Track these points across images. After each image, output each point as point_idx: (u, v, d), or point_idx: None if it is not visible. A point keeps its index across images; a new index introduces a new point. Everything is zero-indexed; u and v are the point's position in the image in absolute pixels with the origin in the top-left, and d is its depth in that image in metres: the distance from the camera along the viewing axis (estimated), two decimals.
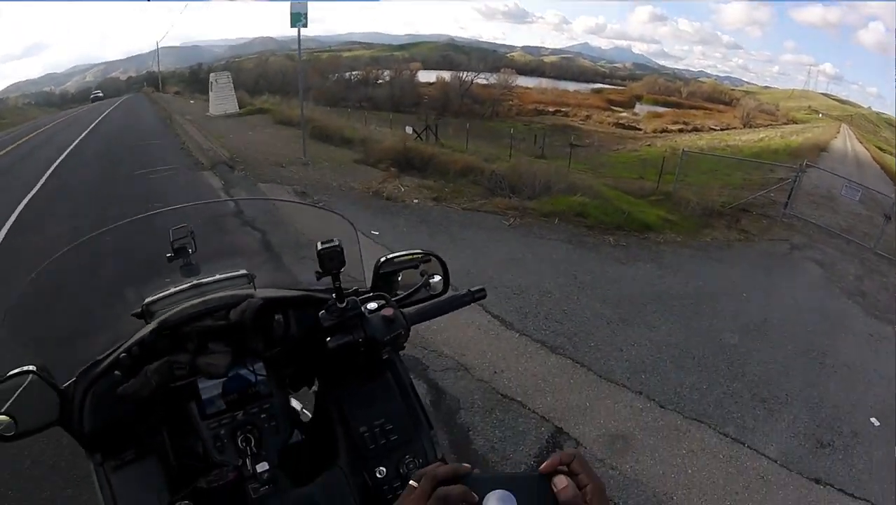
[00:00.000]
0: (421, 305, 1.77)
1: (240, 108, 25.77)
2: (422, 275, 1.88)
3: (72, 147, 19.53)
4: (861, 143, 46.49)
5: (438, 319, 1.75)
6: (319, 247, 1.49)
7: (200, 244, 1.79)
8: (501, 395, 4.81)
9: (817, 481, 4.34)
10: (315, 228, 2.28)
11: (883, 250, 11.79)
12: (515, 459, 4.07)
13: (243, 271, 1.89)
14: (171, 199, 10.22)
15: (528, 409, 4.65)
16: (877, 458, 4.76)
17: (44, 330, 1.86)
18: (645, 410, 4.87)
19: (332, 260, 1.49)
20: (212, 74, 27.21)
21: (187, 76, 57.57)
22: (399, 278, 1.87)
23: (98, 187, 12.12)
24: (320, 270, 1.50)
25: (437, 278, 1.88)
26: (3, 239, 8.99)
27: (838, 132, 48.42)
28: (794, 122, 54.97)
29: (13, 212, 10.34)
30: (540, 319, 6.26)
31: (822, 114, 59.43)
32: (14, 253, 8.09)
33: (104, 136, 21.96)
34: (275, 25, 76.65)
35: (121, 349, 1.46)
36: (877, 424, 5.30)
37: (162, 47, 58.11)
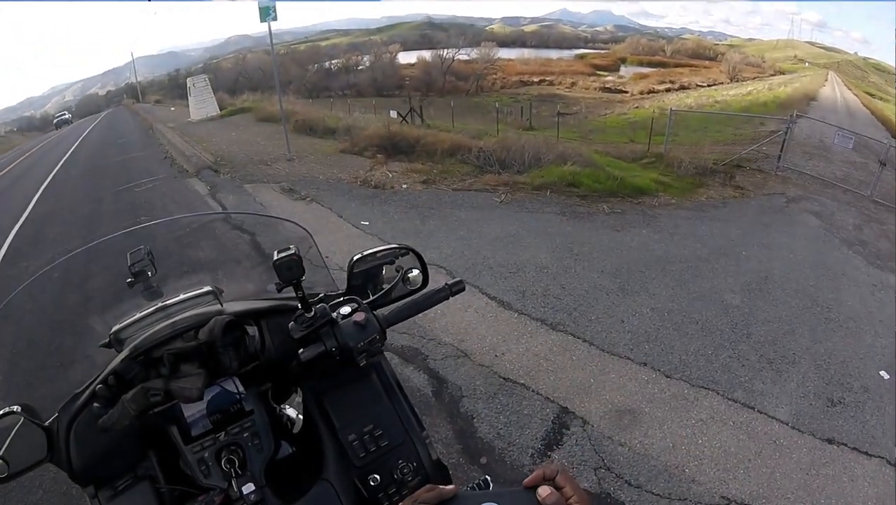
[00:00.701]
0: (397, 305, 1.70)
1: (220, 109, 25.50)
2: (398, 270, 1.80)
3: (57, 169, 19.40)
4: (850, 89, 46.41)
5: (435, 307, 1.67)
6: (275, 257, 1.44)
7: (160, 265, 1.76)
8: (504, 378, 4.72)
9: (830, 441, 4.27)
10: (273, 237, 2.23)
11: (880, 197, 11.73)
12: (521, 444, 4.00)
13: (208, 288, 1.82)
14: (157, 210, 10.26)
15: (532, 390, 4.56)
16: (889, 412, 4.70)
17: (20, 368, 1.83)
18: (651, 382, 4.79)
19: (290, 269, 1.44)
20: (189, 79, 26.83)
21: (166, 83, 57.61)
22: (383, 272, 1.80)
23: (85, 207, 11.96)
24: (280, 282, 1.46)
25: (415, 272, 1.81)
26: None
27: (826, 80, 48.29)
28: (781, 72, 54.80)
29: (3, 243, 10.16)
30: (538, 297, 6.17)
31: (809, 62, 59.24)
32: (7, 282, 7.90)
33: (87, 156, 21.73)
34: (248, 23, 76.25)
35: (96, 381, 1.42)
36: (887, 377, 5.24)
37: (138, 57, 58.29)
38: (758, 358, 5.29)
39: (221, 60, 59.71)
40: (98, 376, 1.44)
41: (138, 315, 1.70)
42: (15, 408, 1.32)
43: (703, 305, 6.25)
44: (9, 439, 1.29)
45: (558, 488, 0.82)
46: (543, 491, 0.81)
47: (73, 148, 25.51)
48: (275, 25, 12.93)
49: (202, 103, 25.09)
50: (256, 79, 42.69)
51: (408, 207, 9.30)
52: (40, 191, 15.27)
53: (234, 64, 54.40)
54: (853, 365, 5.37)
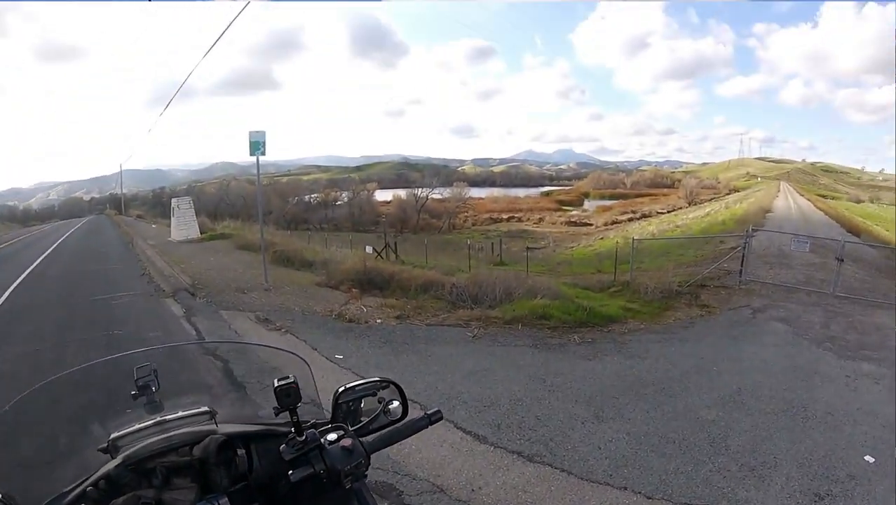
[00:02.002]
0: (380, 432, 1.82)
1: (201, 232, 25.75)
2: (380, 402, 1.92)
3: (32, 267, 19.24)
4: (802, 195, 48.36)
5: (410, 441, 1.78)
6: (276, 384, 1.60)
7: (163, 382, 1.85)
8: None
9: None
10: (272, 366, 2.35)
11: (843, 292, 12.03)
12: None
13: (205, 408, 1.90)
14: (131, 325, 10.23)
15: None
16: (879, 493, 4.70)
17: (12, 461, 1.88)
18: None
19: (288, 396, 1.59)
20: (173, 200, 27.31)
21: (150, 199, 58.39)
22: (362, 405, 1.91)
23: (58, 311, 11.85)
24: (278, 406, 1.60)
25: (396, 404, 1.92)
26: None
27: (779, 191, 50.38)
28: (736, 190, 57.12)
29: None
30: (513, 429, 6.10)
31: (761, 177, 61.90)
32: None
33: (66, 259, 21.72)
34: (235, 151, 78.77)
35: (87, 482, 1.51)
36: (871, 460, 5.26)
37: (125, 170, 58.67)
38: (738, 467, 5.23)
39: (206, 184, 60.94)
40: (90, 478, 1.52)
41: (138, 426, 1.76)
42: None
43: (679, 424, 6.23)
44: None
45: None
46: None
47: (54, 247, 25.59)
48: (261, 158, 13.37)
49: (184, 225, 25.42)
50: (238, 206, 43.51)
51: (382, 342, 9.28)
52: (14, 285, 15.17)
53: (217, 189, 55.57)
54: (837, 456, 5.37)
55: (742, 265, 13.40)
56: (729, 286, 12.96)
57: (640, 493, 4.85)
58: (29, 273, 17.84)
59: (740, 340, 9.32)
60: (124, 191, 58.17)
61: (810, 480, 4.96)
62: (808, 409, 6.48)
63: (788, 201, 42.82)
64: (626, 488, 4.93)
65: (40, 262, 20.73)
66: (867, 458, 5.29)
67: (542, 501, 4.79)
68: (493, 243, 33.39)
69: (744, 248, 13.59)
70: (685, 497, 4.76)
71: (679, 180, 62.53)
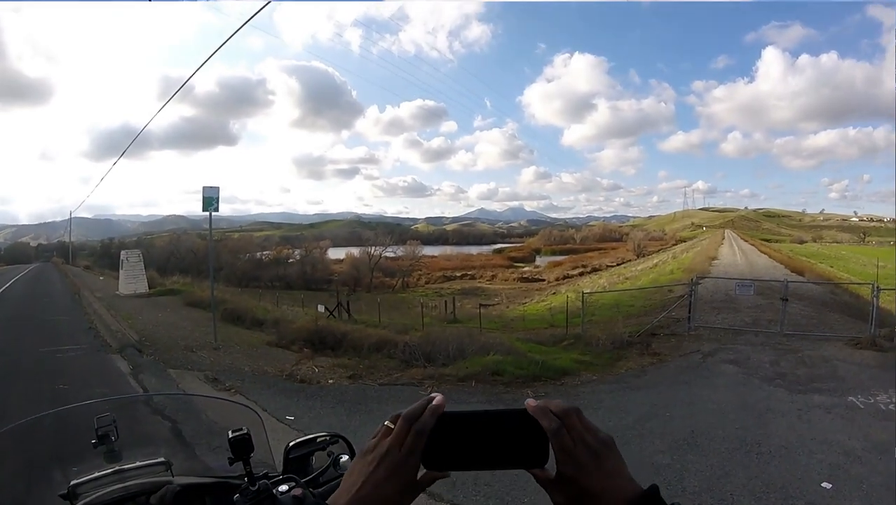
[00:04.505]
0: (329, 484, 1.86)
1: (150, 287, 25.12)
2: (328, 455, 1.96)
3: None
4: (746, 241, 49.80)
5: None
6: (230, 435, 1.59)
7: (122, 432, 1.86)
8: None
9: None
10: (226, 418, 2.36)
11: (790, 329, 12.26)
12: None
13: (161, 459, 1.93)
14: (76, 379, 9.96)
15: None
16: None
17: None
18: None
19: (242, 446, 1.59)
20: (123, 252, 26.47)
21: (98, 249, 57.14)
22: (313, 460, 1.96)
23: (3, 362, 11.47)
24: (232, 457, 1.59)
25: (345, 458, 1.95)
26: None
27: (724, 238, 51.78)
28: (682, 240, 58.55)
29: None
30: (468, 486, 5.96)
31: (706, 226, 63.70)
32: None
33: (10, 307, 21.27)
34: (187, 204, 77.71)
35: None
36: (828, 487, 5.32)
37: (75, 217, 57.13)
38: None
39: (156, 237, 59.89)
40: None
41: (97, 474, 1.78)
42: None
43: (633, 470, 6.06)
44: None
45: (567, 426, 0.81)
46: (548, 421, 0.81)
47: None
48: (213, 213, 13.30)
49: (133, 278, 24.77)
50: (188, 261, 42.65)
51: (334, 403, 9.15)
52: None
53: (168, 243, 54.74)
54: (794, 487, 5.41)
55: (690, 312, 13.64)
56: (678, 333, 13.14)
57: None
58: None
59: (692, 385, 9.41)
60: (73, 239, 56.94)
61: None
62: (762, 444, 6.52)
63: (733, 248, 44.11)
64: None
65: None
66: (824, 484, 5.35)
67: None
68: (446, 301, 33.30)
69: (690, 295, 13.87)
70: None
71: (627, 234, 63.99)
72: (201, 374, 10.76)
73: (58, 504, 1.70)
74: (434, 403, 0.83)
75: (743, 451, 6.40)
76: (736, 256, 38.91)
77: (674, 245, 56.09)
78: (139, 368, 11.09)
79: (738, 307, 15.89)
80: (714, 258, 36.70)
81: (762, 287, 15.84)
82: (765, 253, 40.02)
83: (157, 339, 13.86)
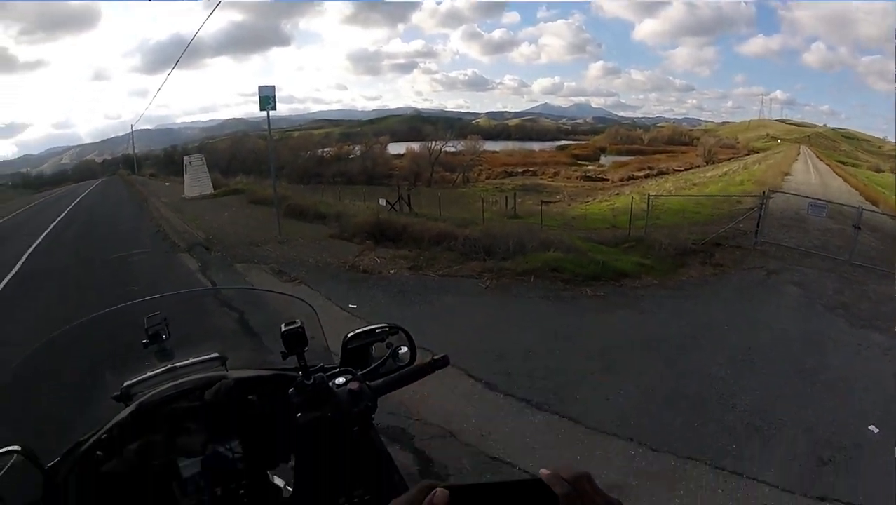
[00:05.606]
0: (387, 376, 1.81)
1: (214, 189, 25.52)
2: (388, 347, 1.92)
3: (49, 229, 19.23)
4: (822, 160, 47.56)
5: (422, 388, 1.82)
6: (283, 329, 1.63)
7: (174, 330, 1.90)
8: (490, 457, 4.68)
9: (822, 499, 4.25)
10: (280, 312, 2.39)
11: (858, 260, 11.88)
12: None
13: (215, 354, 1.94)
14: (147, 280, 10.31)
15: (519, 469, 4.51)
16: (880, 465, 4.70)
17: (28, 412, 1.93)
18: (637, 456, 4.76)
19: (295, 340, 1.63)
20: (185, 157, 27.09)
21: (162, 158, 57.48)
22: (372, 351, 1.93)
23: (76, 269, 12.07)
24: (286, 351, 1.64)
25: (404, 350, 1.93)
26: None
27: (798, 154, 49.50)
28: (755, 151, 56.10)
29: None
30: (523, 378, 6.17)
31: (780, 139, 60.78)
32: None
33: (82, 220, 21.83)
34: (245, 107, 78.07)
35: (102, 431, 1.53)
36: (876, 431, 5.25)
37: (136, 130, 58.04)
38: (745, 427, 5.29)
39: (217, 141, 60.11)
40: (104, 426, 1.54)
41: (149, 374, 1.81)
42: (16, 446, 1.37)
43: (689, 380, 6.26)
44: (4, 476, 1.34)
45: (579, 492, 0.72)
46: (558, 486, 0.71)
47: (68, 210, 25.62)
48: (272, 112, 13.42)
49: (197, 181, 25.21)
50: (250, 162, 42.83)
51: (395, 292, 9.37)
52: (32, 247, 15.31)
53: (229, 146, 54.62)
54: (842, 423, 5.38)
55: (758, 226, 13.24)
56: (744, 246, 12.82)
57: (645, 444, 4.92)
58: (46, 235, 17.85)
59: (753, 301, 9.32)
60: (136, 151, 57.56)
61: (814, 445, 5.01)
62: (817, 374, 6.49)
63: (808, 165, 42.24)
64: (632, 440, 5.00)
65: (57, 223, 20.67)
66: (872, 427, 5.29)
67: (550, 448, 4.87)
68: (507, 197, 32.97)
69: (761, 208, 13.44)
70: (689, 452, 4.81)
71: (697, 139, 61.39)
72: (266, 266, 11.11)
73: (112, 406, 1.73)
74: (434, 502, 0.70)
75: (798, 377, 6.39)
76: (810, 174, 37.36)
77: (745, 155, 53.82)
78: (207, 264, 11.53)
79: (808, 228, 15.37)
80: (787, 173, 35.14)
81: (834, 210, 15.23)
82: (840, 176, 38.28)
83: (223, 236, 14.24)
